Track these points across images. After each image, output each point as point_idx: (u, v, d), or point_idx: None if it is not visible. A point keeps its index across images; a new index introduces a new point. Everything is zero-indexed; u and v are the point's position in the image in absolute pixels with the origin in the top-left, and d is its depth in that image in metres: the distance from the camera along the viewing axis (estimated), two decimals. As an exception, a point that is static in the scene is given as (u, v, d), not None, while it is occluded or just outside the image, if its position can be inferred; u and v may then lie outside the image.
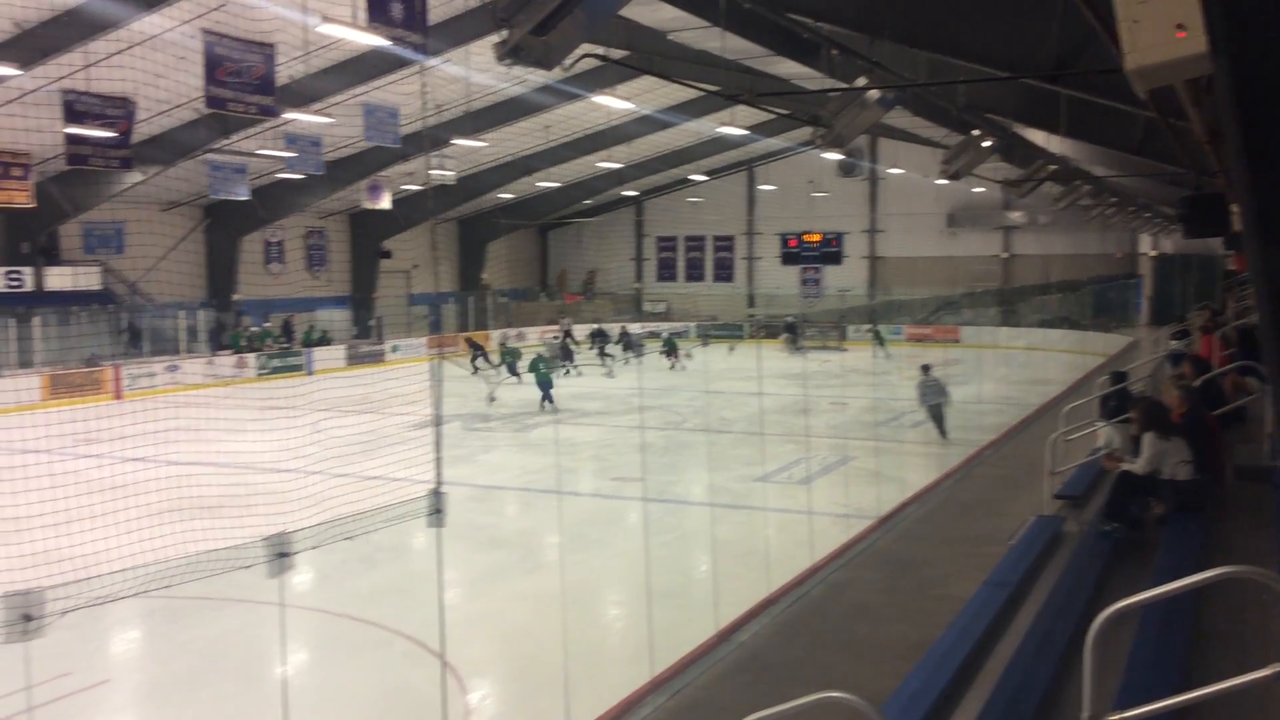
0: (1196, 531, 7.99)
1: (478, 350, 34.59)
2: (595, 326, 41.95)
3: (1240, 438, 10.31)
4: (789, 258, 51.56)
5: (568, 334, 40.63)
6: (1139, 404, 9.26)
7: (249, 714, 8.51)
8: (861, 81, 13.31)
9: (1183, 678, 5.33)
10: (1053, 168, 21.93)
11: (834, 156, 39.76)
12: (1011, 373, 31.74)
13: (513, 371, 30.10)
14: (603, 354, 36.97)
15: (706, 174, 48.42)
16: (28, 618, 4.52)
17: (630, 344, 38.43)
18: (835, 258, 50.77)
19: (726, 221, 52.48)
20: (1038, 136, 19.60)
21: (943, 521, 13.45)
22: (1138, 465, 8.56)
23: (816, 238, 50.81)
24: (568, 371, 33.52)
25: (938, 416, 20.57)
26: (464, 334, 39.19)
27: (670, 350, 36.51)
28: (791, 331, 41.82)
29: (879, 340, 40.11)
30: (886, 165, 44.96)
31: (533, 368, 26.35)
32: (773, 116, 29.38)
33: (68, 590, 5.04)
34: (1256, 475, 9.09)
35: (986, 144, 17.70)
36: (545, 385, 25.84)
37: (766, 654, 8.78)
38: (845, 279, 50.20)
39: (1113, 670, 5.56)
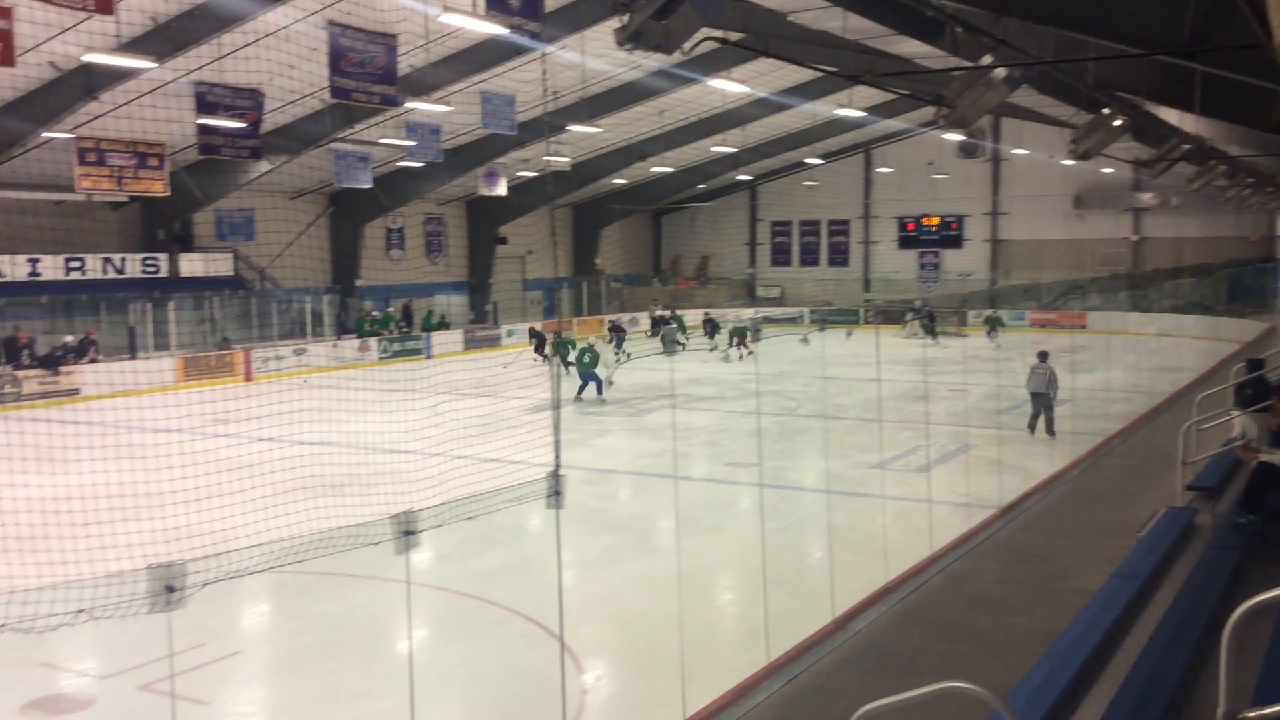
0: (1342, 526, 7.63)
1: (541, 339, 35.00)
2: (705, 314, 41.82)
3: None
4: (906, 241, 50.68)
5: (658, 320, 40.19)
6: (1278, 393, 8.86)
7: (372, 687, 8.75)
8: (987, 60, 12.97)
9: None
10: (1186, 147, 21.08)
11: (955, 137, 38.82)
12: (1141, 360, 30.64)
13: (565, 363, 28.97)
14: (712, 337, 37.17)
15: (822, 157, 47.83)
16: (170, 589, 4.72)
17: (713, 330, 38.35)
18: (955, 241, 49.72)
19: (842, 205, 51.78)
20: (1171, 115, 18.83)
21: (1068, 512, 13.08)
22: (1277, 456, 8.20)
23: (935, 221, 49.82)
24: (620, 360, 32.06)
25: (1045, 408, 19.21)
26: (531, 324, 39.28)
27: (739, 338, 34.48)
28: (917, 314, 41.06)
29: (993, 328, 38.44)
30: (1010, 145, 43.78)
31: (579, 358, 25.23)
32: (893, 97, 28.87)
33: (205, 564, 5.25)
34: None
35: (1117, 123, 17.07)
36: (588, 377, 24.83)
37: (884, 643, 8.67)
38: (965, 263, 49.10)
39: (1248, 666, 5.35)
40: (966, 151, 46.64)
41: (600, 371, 27.83)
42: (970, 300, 46.71)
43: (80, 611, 5.18)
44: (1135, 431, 18.66)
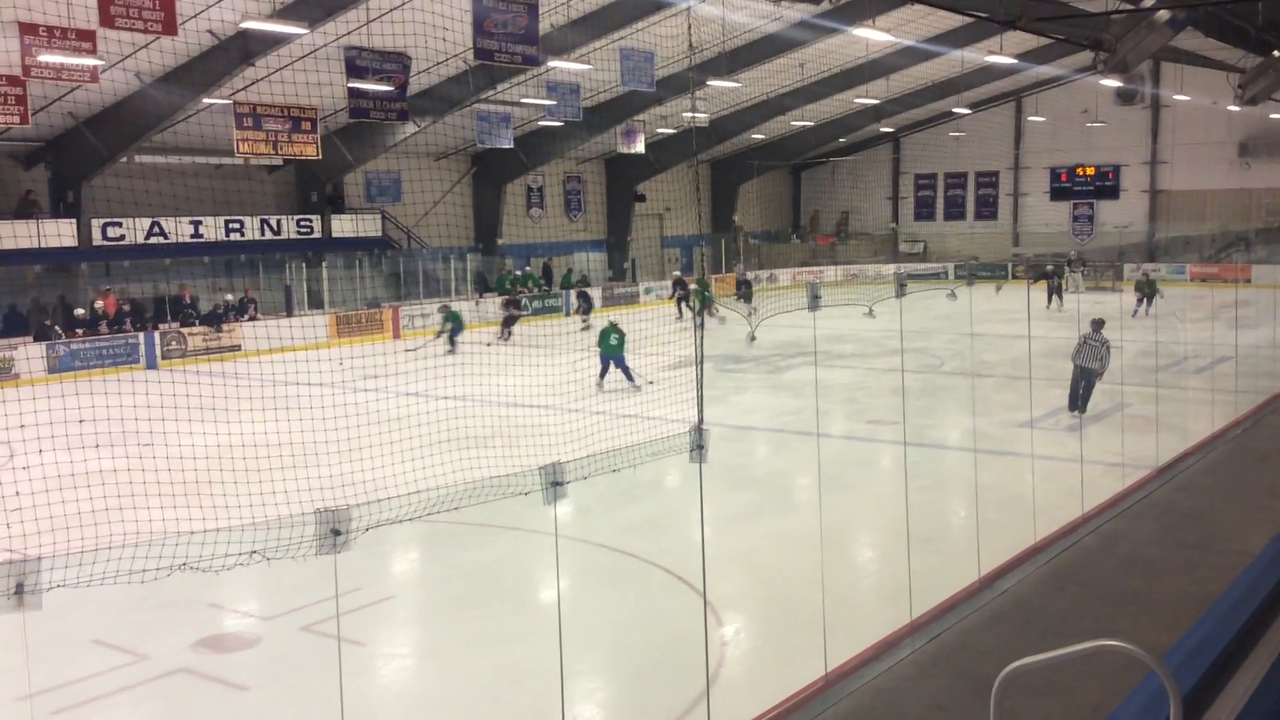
0: None
1: (685, 290, 35.06)
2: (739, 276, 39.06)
3: None
4: (1059, 193, 48.79)
5: (678, 283, 36.47)
6: None
7: (521, 633, 9.02)
8: (1149, 2, 12.35)
9: None
10: (1367, 87, 19.70)
11: (1112, 83, 37.07)
12: (1312, 315, 28.95)
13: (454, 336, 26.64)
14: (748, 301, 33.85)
15: (970, 107, 46.31)
16: (336, 532, 4.96)
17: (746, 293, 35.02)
18: (1111, 192, 47.63)
19: (990, 156, 50.09)
20: (1351, 52, 17.65)
21: (1229, 472, 12.55)
22: None
23: (1090, 171, 47.80)
24: (752, 316, 28.87)
25: (1085, 383, 17.01)
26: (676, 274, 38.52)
27: (702, 302, 30.89)
28: (1049, 278, 34.02)
29: (1147, 293, 31.84)
30: (1171, 91, 41.61)
31: (602, 339, 21.15)
32: (1047, 42, 27.72)
33: (365, 510, 5.48)
34: None
35: (1289, 63, 16.10)
36: (611, 359, 20.98)
37: (1032, 602, 8.51)
38: (1122, 215, 47.01)
39: None
40: (1124, 98, 44.42)
41: (739, 324, 27.54)
42: (1128, 253, 44.79)
43: (254, 553, 5.48)
44: (1305, 390, 17.75)
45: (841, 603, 9.07)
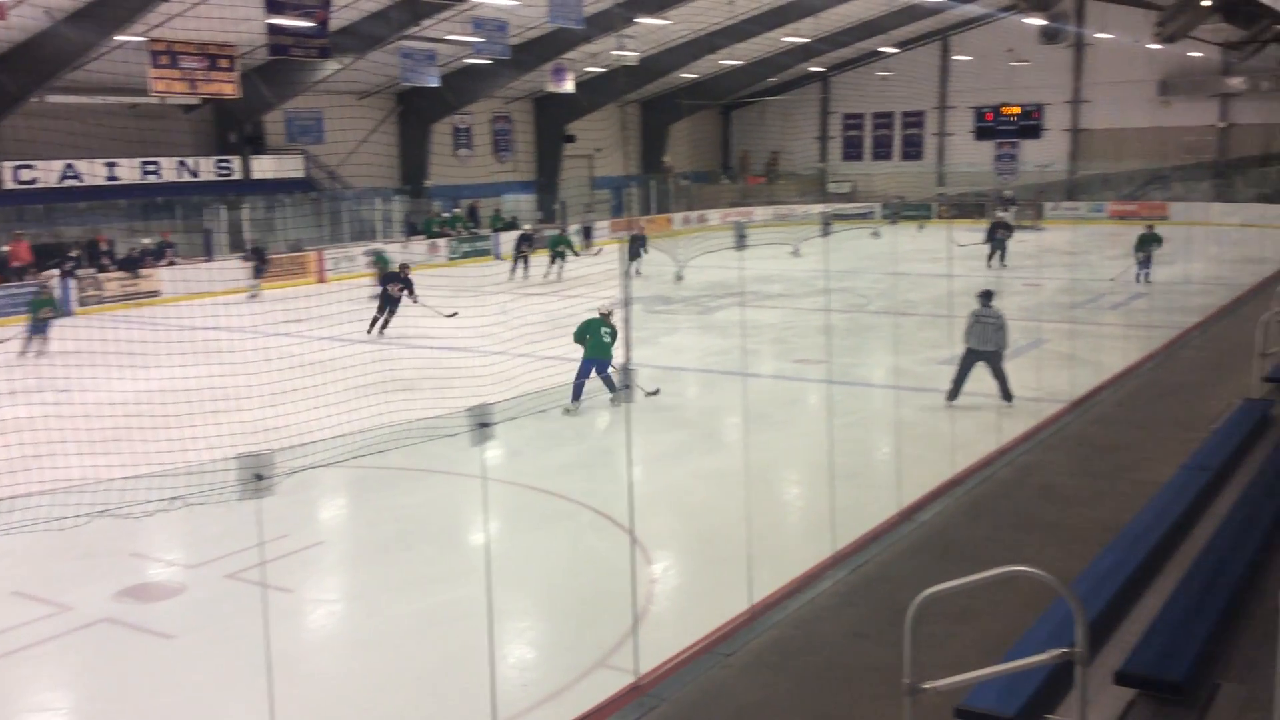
0: None
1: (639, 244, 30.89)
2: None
3: None
4: (984, 132, 49.26)
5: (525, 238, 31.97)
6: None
7: (450, 575, 9.05)
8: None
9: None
10: (1279, 28, 20.13)
11: (1036, 22, 37.38)
12: (1223, 251, 29.75)
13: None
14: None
15: (897, 46, 46.45)
16: (259, 477, 4.92)
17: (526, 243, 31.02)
18: (1034, 131, 48.20)
19: (917, 96, 50.34)
20: (1264, -8, 17.97)
21: (1141, 405, 12.94)
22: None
23: (1015, 110, 48.27)
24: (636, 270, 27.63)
25: (994, 369, 13.78)
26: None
27: (557, 255, 29.22)
28: (995, 235, 29.27)
29: (1150, 249, 25.25)
30: (1094, 30, 42.07)
31: (589, 334, 14.71)
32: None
33: (290, 454, 5.44)
34: None
35: (1206, 2, 16.36)
36: (596, 363, 14.44)
37: (950, 533, 8.74)
38: (1044, 154, 47.67)
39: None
40: (1048, 37, 44.69)
41: (667, 264, 27.22)
42: (1047, 192, 45.50)
43: (175, 498, 5.44)
44: (1214, 324, 18.27)
45: (768, 537, 9.24)
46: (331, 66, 29.47)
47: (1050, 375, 14.83)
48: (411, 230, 35.83)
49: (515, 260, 30.33)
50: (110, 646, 7.99)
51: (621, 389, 6.71)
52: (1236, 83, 43.02)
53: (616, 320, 14.58)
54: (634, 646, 6.78)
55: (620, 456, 8.97)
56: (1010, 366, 13.96)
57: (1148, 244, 25.24)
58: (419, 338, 19.59)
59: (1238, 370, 12.01)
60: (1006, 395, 13.62)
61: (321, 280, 30.66)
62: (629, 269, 27.00)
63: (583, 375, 14.29)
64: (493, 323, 18.44)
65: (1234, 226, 36.00)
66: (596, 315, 14.78)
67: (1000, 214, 29.92)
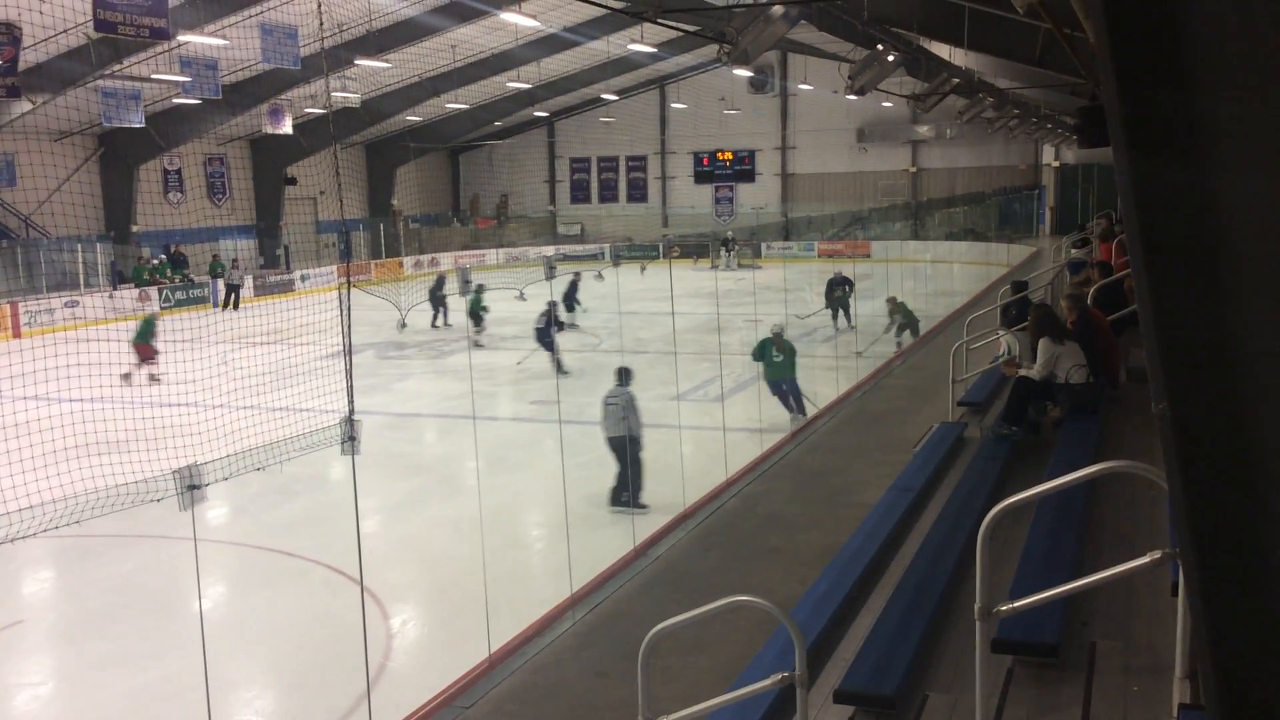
0: (1090, 432, 8.33)
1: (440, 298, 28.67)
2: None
3: (1135, 341, 10.69)
4: (702, 176, 51.55)
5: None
6: (1033, 311, 9.57)
7: (168, 646, 8.48)
8: (766, -3, 13.28)
9: (1073, 568, 5.60)
10: (956, 81, 22.17)
11: (744, 73, 39.54)
12: (919, 285, 32.26)
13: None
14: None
15: (617, 93, 47.90)
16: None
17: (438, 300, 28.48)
18: (748, 175, 50.90)
19: (639, 141, 52.12)
20: (942, 50, 19.77)
21: (852, 432, 13.80)
22: (1034, 370, 8.86)
23: (729, 156, 50.84)
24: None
25: (629, 455, 11.89)
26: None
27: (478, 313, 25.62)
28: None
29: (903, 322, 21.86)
30: (797, 81, 44.92)
31: (763, 355, 15.72)
32: (680, 34, 29.09)
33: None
34: (1148, 376, 9.46)
35: (890, 58, 17.81)
36: (784, 383, 15.65)
37: (683, 565, 9.00)
38: (758, 197, 50.36)
39: (1008, 564, 5.83)
40: (756, 87, 47.66)
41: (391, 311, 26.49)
42: (760, 233, 48.00)
43: None
44: (914, 353, 19.76)
45: (508, 582, 9.20)
46: (23, 106, 27.28)
47: (771, 407, 15.57)
48: (120, 279, 33.55)
49: (435, 309, 28.42)
50: None
51: (347, 439, 6.45)
52: (924, 131, 47.00)
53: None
54: (368, 709, 6.58)
55: (353, 509, 8.71)
56: (734, 399, 14.57)
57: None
58: (129, 398, 18.33)
59: (936, 396, 13.02)
60: (632, 500, 11.40)
61: (16, 335, 28.17)
62: (401, 319, 26.86)
63: (776, 393, 15.48)
64: (212, 375, 17.51)
65: (927, 262, 39.17)
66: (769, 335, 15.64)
67: (837, 270, 26.49)
